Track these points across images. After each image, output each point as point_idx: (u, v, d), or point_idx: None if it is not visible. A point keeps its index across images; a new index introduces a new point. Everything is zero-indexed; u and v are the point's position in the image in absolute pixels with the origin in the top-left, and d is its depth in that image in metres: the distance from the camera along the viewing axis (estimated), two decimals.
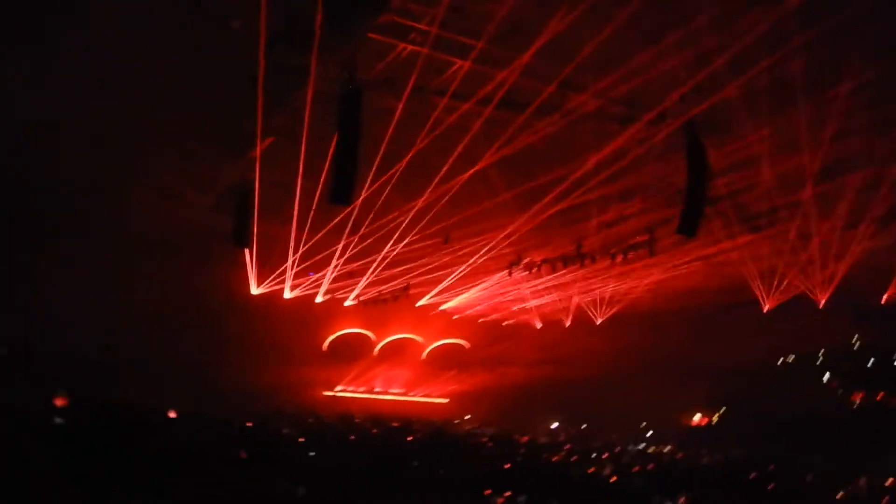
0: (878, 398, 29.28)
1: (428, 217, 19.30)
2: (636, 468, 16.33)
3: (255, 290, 24.08)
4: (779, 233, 19.14)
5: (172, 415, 16.37)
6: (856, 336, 30.56)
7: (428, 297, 26.94)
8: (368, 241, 20.63)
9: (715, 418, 34.46)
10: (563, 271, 21.32)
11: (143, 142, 16.88)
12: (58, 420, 4.32)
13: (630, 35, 12.14)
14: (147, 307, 22.25)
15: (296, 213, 18.44)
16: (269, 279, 23.75)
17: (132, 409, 14.02)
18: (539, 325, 30.44)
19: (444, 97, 14.13)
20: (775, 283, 21.37)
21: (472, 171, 16.15)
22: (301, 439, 15.92)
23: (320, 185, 16.75)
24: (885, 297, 22.79)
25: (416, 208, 18.46)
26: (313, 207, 17.81)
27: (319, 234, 20.18)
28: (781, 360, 32.90)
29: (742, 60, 11.78)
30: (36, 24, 12.33)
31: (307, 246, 20.82)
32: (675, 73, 12.85)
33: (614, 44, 12.40)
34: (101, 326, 20.56)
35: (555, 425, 33.39)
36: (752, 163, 16.00)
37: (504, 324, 32.39)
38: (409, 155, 15.42)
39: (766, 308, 21.93)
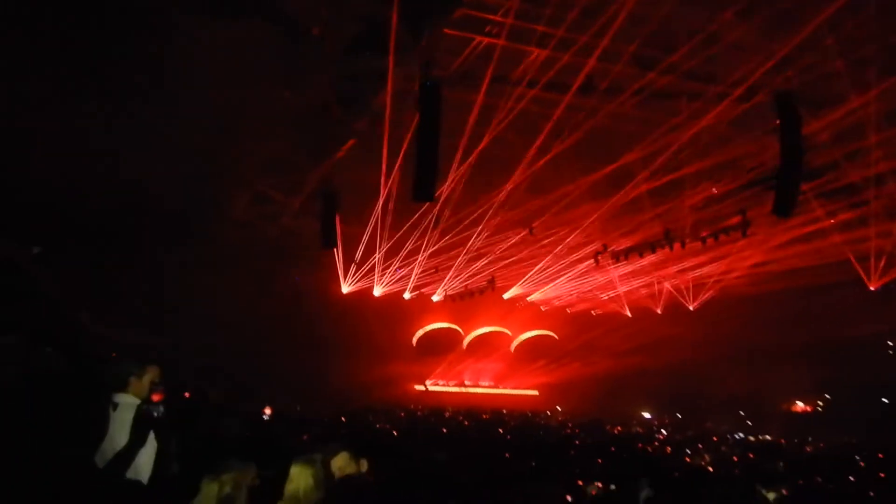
0: None
1: (512, 209, 19.28)
2: (735, 458, 15.75)
3: (345, 290, 24.70)
4: (884, 207, 18.00)
5: (268, 411, 17.00)
6: None
7: (514, 288, 26.88)
8: (451, 234, 20.81)
9: (819, 404, 32.85)
10: (652, 257, 20.78)
11: (238, 156, 17.67)
12: (155, 414, 4.52)
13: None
14: (246, 310, 23.18)
15: (378, 211, 18.81)
16: (358, 278, 24.30)
17: (227, 407, 14.62)
18: (629, 314, 29.81)
19: (522, 86, 14.06)
20: (883, 261, 20.08)
21: (547, 157, 15.96)
22: (395, 433, 16.20)
23: (392, 182, 17.06)
24: None
25: (499, 200, 18.46)
26: (391, 204, 18.13)
27: (401, 231, 20.51)
28: (891, 342, 30.99)
29: (836, 20, 11.10)
30: (148, 63, 13.37)
31: (390, 243, 21.21)
32: (763, 42, 12.29)
33: (694, 14, 12.00)
34: (203, 330, 21.56)
35: (647, 415, 32.67)
36: (852, 134, 15.08)
37: (593, 313, 31.93)
38: (481, 146, 15.41)
39: (872, 287, 20.64)
